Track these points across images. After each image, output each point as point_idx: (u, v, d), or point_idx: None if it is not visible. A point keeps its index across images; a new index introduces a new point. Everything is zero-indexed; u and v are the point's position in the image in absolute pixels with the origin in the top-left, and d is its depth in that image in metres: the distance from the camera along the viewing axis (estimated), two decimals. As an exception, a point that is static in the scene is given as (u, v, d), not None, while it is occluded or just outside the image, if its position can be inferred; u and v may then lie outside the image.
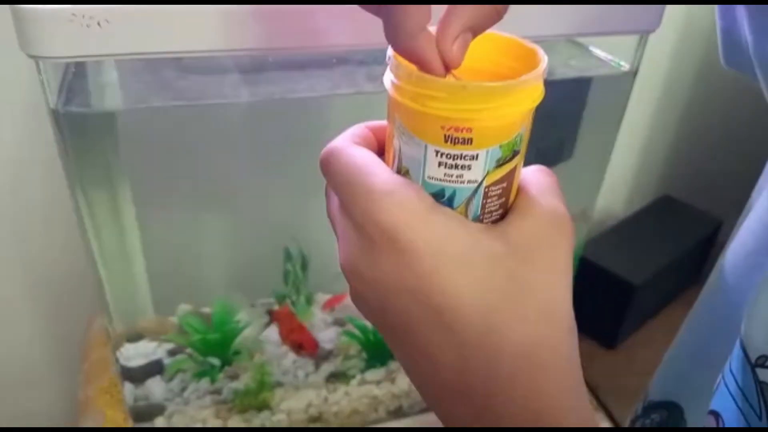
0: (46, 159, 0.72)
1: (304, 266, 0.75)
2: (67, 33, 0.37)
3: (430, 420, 0.72)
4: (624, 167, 1.10)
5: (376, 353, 0.72)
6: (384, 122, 0.27)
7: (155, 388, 0.65)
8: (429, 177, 0.24)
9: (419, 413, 0.73)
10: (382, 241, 0.23)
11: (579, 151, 0.65)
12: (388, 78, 0.24)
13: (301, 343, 0.70)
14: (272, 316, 0.73)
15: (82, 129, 0.49)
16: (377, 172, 0.24)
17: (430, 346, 0.23)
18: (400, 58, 0.23)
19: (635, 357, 0.94)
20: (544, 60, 0.24)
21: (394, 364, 0.73)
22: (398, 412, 0.72)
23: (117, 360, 0.62)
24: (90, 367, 0.74)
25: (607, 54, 0.59)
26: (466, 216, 0.24)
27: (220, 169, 0.69)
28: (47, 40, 0.38)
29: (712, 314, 0.39)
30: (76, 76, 0.48)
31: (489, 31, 0.25)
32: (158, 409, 0.65)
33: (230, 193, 0.72)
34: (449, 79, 0.22)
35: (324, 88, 0.53)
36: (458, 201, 0.24)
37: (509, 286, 0.23)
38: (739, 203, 1.04)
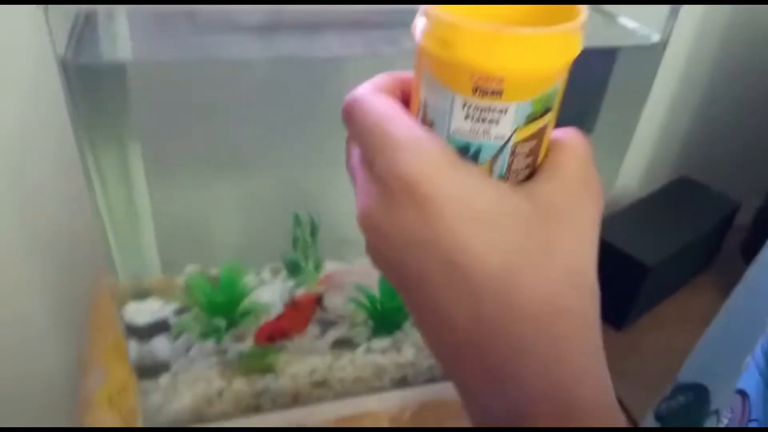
0: (53, 117, 0.72)
1: (314, 233, 0.74)
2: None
3: (435, 390, 0.72)
4: (641, 146, 1.08)
5: (383, 322, 0.72)
6: (410, 73, 0.26)
7: (160, 346, 0.65)
8: (455, 130, 0.23)
9: (424, 384, 0.73)
10: (401, 193, 0.22)
11: (600, 126, 0.64)
12: (418, 24, 0.23)
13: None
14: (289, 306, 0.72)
15: (92, 82, 0.48)
16: (401, 122, 0.23)
17: (445, 303, 0.22)
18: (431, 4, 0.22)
19: (641, 339, 0.93)
20: (584, 10, 0.22)
21: (400, 334, 0.73)
22: (403, 382, 0.72)
23: (122, 317, 0.61)
24: (95, 326, 0.75)
25: (635, 24, 0.57)
26: (491, 174, 0.23)
27: (231, 129, 0.67)
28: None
29: (749, 302, 0.38)
30: (86, 27, 0.47)
31: None
32: (163, 367, 0.65)
33: (241, 154, 0.71)
34: (482, 24, 0.21)
35: (341, 48, 0.52)
36: (483, 157, 0.23)
37: (532, 246, 0.22)
38: (758, 186, 1.02)
